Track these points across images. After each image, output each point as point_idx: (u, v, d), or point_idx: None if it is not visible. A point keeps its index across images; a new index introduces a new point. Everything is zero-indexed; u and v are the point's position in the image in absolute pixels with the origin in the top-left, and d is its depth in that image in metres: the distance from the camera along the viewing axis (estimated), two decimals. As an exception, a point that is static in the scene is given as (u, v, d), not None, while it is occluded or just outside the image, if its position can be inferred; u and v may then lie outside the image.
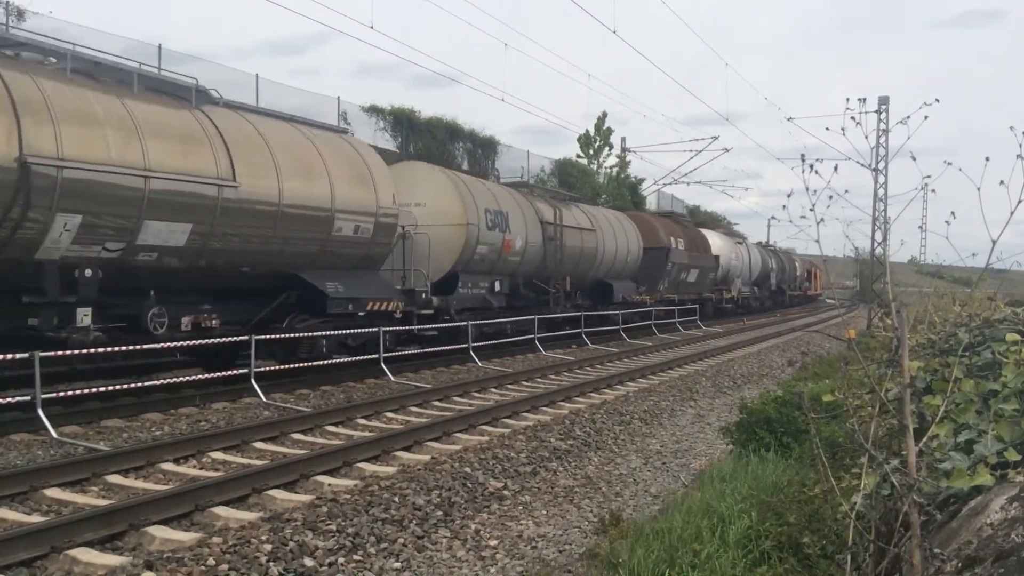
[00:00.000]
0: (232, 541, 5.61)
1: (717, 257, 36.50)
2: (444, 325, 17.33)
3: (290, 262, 12.97)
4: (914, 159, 3.86)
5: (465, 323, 17.25)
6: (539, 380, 15.22)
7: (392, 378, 14.22)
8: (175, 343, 11.11)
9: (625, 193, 42.48)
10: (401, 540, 6.11)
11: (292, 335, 12.98)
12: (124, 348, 10.33)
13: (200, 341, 11.42)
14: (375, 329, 14.40)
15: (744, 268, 42.29)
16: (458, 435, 9.91)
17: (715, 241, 37.84)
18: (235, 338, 11.87)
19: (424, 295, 16.29)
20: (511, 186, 22.49)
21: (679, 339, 26.07)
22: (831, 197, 3.76)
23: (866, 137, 4.07)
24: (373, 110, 29.29)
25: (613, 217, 27.60)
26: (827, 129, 4.06)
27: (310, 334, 13.22)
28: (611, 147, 45.78)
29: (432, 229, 17.00)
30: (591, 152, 45.27)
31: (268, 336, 12.43)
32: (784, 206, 3.82)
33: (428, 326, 16.83)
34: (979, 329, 4.53)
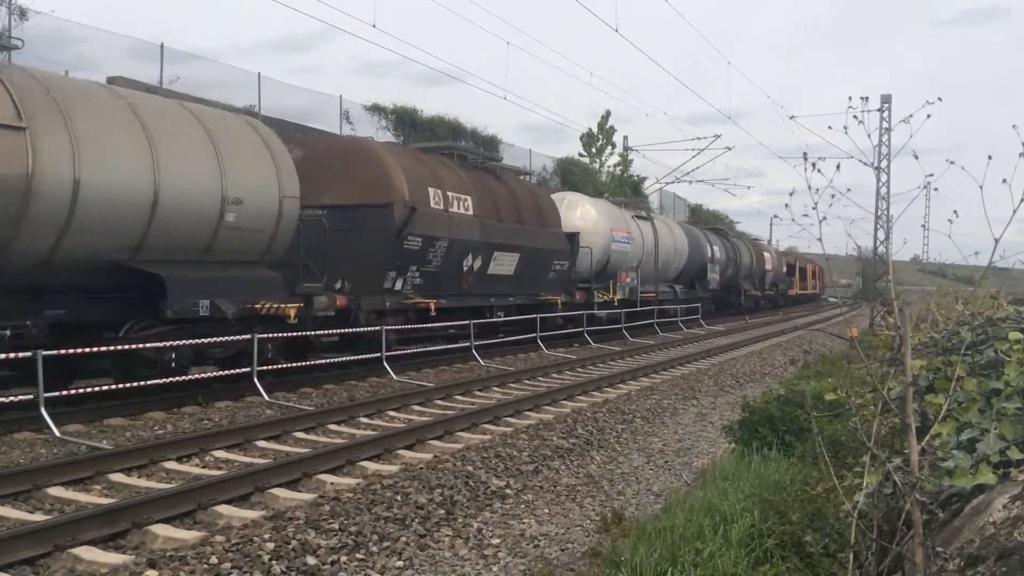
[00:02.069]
0: (235, 540, 5.62)
1: (575, 236, 22.15)
2: None
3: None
4: (916, 158, 3.86)
5: (467, 322, 17.23)
6: (541, 378, 15.22)
7: (394, 377, 14.22)
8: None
9: (627, 192, 42.45)
10: (403, 539, 6.12)
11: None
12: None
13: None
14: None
15: (645, 256, 27.27)
16: (460, 434, 9.92)
17: (583, 211, 24.04)
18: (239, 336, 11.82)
19: None
20: None
21: (681, 337, 26.06)
22: (833, 196, 3.76)
23: (868, 136, 4.06)
24: (375, 109, 29.38)
25: (174, 119, 11.30)
26: (829, 127, 4.07)
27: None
28: (613, 146, 45.83)
29: None
30: (593, 151, 45.31)
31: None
32: (787, 205, 3.82)
33: None
34: (982, 327, 4.53)
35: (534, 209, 20.62)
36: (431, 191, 16.10)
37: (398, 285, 15.54)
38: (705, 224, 44.61)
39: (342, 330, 14.44)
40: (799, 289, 58.84)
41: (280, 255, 12.82)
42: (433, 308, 16.16)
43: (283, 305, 12.35)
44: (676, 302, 31.11)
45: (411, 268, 15.66)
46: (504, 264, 18.74)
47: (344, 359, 14.24)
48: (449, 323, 17.09)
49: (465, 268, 17.35)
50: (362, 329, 14.65)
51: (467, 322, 17.19)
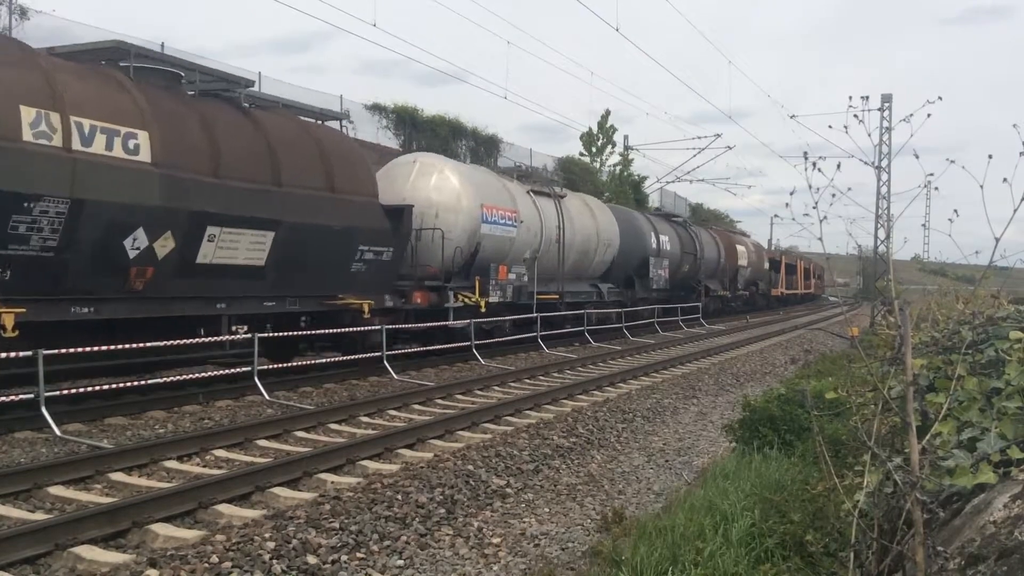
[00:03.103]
0: (235, 539, 5.62)
1: (404, 210, 15.43)
2: None
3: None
4: (917, 157, 3.86)
5: (467, 322, 17.23)
6: (542, 378, 15.22)
7: (395, 376, 14.22)
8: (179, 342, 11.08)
9: (628, 191, 42.43)
10: (404, 538, 6.12)
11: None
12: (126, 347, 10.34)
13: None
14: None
15: (545, 245, 20.28)
16: (461, 433, 9.92)
17: (439, 179, 17.35)
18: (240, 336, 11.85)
19: None
20: None
21: (682, 336, 26.06)
22: (834, 195, 3.76)
23: (869, 135, 4.06)
24: (376, 108, 29.33)
25: None
26: (830, 127, 4.07)
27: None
28: (614, 145, 45.85)
29: None
30: (594, 150, 45.32)
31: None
32: (787, 204, 3.82)
33: None
34: (982, 327, 4.52)
35: (315, 165, 13.08)
36: (28, 113, 9.10)
37: None
38: (687, 216, 41.70)
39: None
40: (785, 288, 50.47)
41: None
42: (8, 325, 8.92)
43: None
44: (601, 306, 24.08)
45: None
46: (241, 248, 11.65)
47: (345, 358, 14.23)
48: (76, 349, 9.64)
49: (132, 253, 10.25)
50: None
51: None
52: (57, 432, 8.91)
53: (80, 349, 9.68)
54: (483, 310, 17.33)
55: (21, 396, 9.18)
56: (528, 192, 20.54)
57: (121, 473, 7.56)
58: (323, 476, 7.62)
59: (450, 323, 16.63)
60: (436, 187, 17.27)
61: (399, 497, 6.83)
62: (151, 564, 5.16)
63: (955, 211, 3.81)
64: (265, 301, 12.52)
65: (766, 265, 45.71)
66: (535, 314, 19.76)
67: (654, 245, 27.87)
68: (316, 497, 6.80)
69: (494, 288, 17.97)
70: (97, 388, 10.25)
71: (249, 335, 12.26)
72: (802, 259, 57.18)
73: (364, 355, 14.42)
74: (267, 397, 11.63)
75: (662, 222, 30.52)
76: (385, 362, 14.39)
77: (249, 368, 11.79)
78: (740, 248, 39.81)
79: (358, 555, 5.70)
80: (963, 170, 3.57)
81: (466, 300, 17.02)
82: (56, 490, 6.95)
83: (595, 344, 22.04)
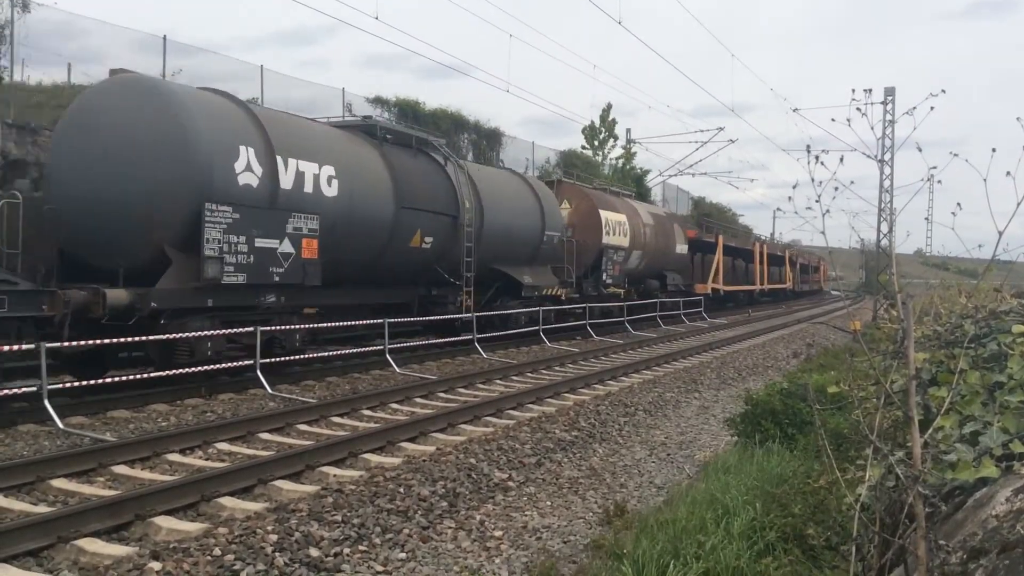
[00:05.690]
0: (238, 531, 5.64)
1: None
2: None
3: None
4: (920, 150, 3.85)
5: (470, 316, 17.23)
6: (544, 371, 15.23)
7: (397, 369, 14.24)
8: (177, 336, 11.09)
9: (630, 184, 42.32)
10: (406, 531, 6.13)
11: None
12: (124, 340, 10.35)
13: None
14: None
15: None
16: (463, 426, 9.93)
17: None
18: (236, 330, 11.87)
19: None
20: None
21: (684, 330, 26.06)
22: (837, 188, 3.75)
23: (872, 128, 4.05)
24: (378, 101, 29.30)
25: None
26: (833, 120, 4.06)
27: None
28: (616, 138, 45.75)
29: None
30: (596, 143, 45.22)
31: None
32: (790, 197, 3.81)
33: None
34: (985, 321, 4.51)
35: None
36: None
37: None
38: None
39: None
40: (724, 283, 34.83)
41: None
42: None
43: None
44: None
45: None
46: None
47: (347, 351, 14.24)
48: None
49: None
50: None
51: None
52: (60, 425, 8.94)
53: (84, 343, 9.70)
54: None
55: (24, 389, 9.20)
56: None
57: (124, 466, 7.58)
58: (325, 469, 7.64)
59: None
60: None
61: (401, 490, 6.84)
62: (154, 557, 5.17)
63: (958, 205, 3.80)
64: None
65: (680, 248, 29.66)
66: None
67: (251, 178, 11.66)
68: (318, 490, 6.82)
69: None
70: (99, 381, 10.27)
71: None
72: (764, 243, 42.26)
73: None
74: (269, 390, 11.64)
75: (339, 137, 14.29)
76: (387, 355, 14.40)
77: (251, 362, 11.80)
78: (609, 216, 22.96)
79: (360, 548, 5.72)
80: (966, 164, 3.56)
81: None
82: (59, 483, 6.96)
83: (597, 338, 22.05)
